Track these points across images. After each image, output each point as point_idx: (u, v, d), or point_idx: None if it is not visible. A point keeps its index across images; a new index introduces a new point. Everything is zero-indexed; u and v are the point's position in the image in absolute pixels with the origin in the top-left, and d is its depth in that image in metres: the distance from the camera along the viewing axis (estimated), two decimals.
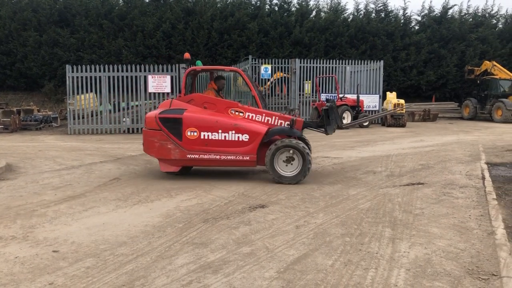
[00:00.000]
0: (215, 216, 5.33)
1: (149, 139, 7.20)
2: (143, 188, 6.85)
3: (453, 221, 5.16)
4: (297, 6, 25.82)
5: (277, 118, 7.37)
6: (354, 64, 19.86)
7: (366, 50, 24.41)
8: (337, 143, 12.45)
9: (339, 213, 5.45)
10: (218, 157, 7.10)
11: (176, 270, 3.73)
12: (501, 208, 5.71)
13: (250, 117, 7.29)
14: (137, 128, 15.87)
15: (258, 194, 6.43)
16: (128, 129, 15.94)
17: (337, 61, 20.09)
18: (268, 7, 25.77)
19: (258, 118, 7.32)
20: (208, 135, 7.07)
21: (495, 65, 22.91)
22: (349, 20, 25.60)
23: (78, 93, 15.76)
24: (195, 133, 7.06)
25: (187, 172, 7.97)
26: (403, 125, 18.25)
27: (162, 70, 15.83)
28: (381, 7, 26.25)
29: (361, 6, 26.73)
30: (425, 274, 3.68)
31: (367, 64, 19.96)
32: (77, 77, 15.56)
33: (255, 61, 19.64)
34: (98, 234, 4.65)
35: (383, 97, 20.15)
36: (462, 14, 26.75)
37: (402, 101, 19.11)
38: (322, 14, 26.28)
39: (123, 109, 16.46)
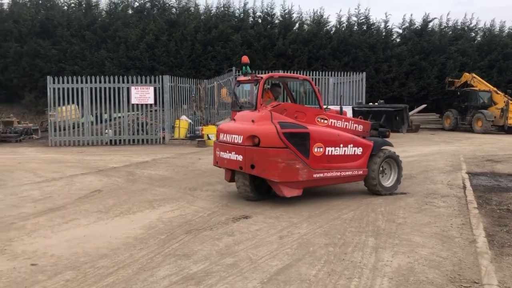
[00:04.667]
0: (198, 227, 5.28)
1: (270, 159, 6.00)
2: (125, 199, 6.76)
3: (435, 229, 5.20)
4: (280, 19, 26.00)
5: (352, 122, 7.26)
6: (337, 75, 20.06)
7: (349, 62, 24.66)
8: None
9: (322, 223, 5.45)
10: (339, 173, 6.59)
11: (158, 282, 3.67)
12: (482, 216, 5.77)
13: (332, 124, 6.92)
14: (120, 140, 15.72)
15: (241, 205, 6.39)
16: (111, 140, 15.77)
17: (320, 72, 20.28)
18: (252, 19, 25.91)
19: (339, 124, 7.01)
20: (331, 151, 6.52)
21: (474, 77, 23.37)
22: (331, 32, 25.85)
23: (59, 105, 15.56)
24: (321, 149, 6.38)
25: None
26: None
27: (145, 82, 15.75)
28: (363, 20, 26.60)
29: (344, 19, 26.99)
30: (408, 282, 3.68)
31: (349, 75, 20.19)
32: (59, 89, 15.38)
33: (238, 72, 19.67)
34: (79, 247, 4.56)
35: None
36: (442, 27, 27.27)
37: None
38: (305, 26, 26.51)
39: (106, 120, 16.30)
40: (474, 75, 23.57)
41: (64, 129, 15.71)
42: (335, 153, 6.57)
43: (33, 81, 22.38)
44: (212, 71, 23.33)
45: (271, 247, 4.56)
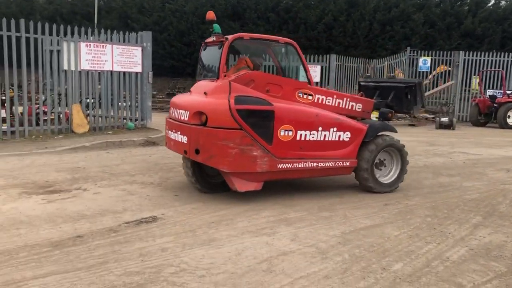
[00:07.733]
0: (313, 186, 5.87)
1: (218, 143, 4.73)
2: None
3: None
4: None
5: (348, 100, 5.90)
6: None
7: None
8: (485, 141, 11.61)
9: (437, 199, 5.49)
10: (315, 164, 5.24)
11: (258, 219, 4.45)
12: None
13: (320, 100, 5.58)
14: None
15: None
16: None
17: (510, 54, 18.23)
18: None
19: (329, 102, 5.66)
20: (305, 135, 5.16)
21: None
22: None
23: None
24: (290, 133, 5.04)
25: None
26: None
27: (313, 61, 16.55)
28: None
29: None
30: (487, 255, 3.71)
31: None
32: None
33: (413, 53, 18.99)
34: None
35: None
36: None
37: None
38: (503, 2, 23.91)
39: None
40: None
41: None
42: (311, 139, 5.20)
43: None
44: (388, 51, 22.90)
45: (370, 210, 4.92)
